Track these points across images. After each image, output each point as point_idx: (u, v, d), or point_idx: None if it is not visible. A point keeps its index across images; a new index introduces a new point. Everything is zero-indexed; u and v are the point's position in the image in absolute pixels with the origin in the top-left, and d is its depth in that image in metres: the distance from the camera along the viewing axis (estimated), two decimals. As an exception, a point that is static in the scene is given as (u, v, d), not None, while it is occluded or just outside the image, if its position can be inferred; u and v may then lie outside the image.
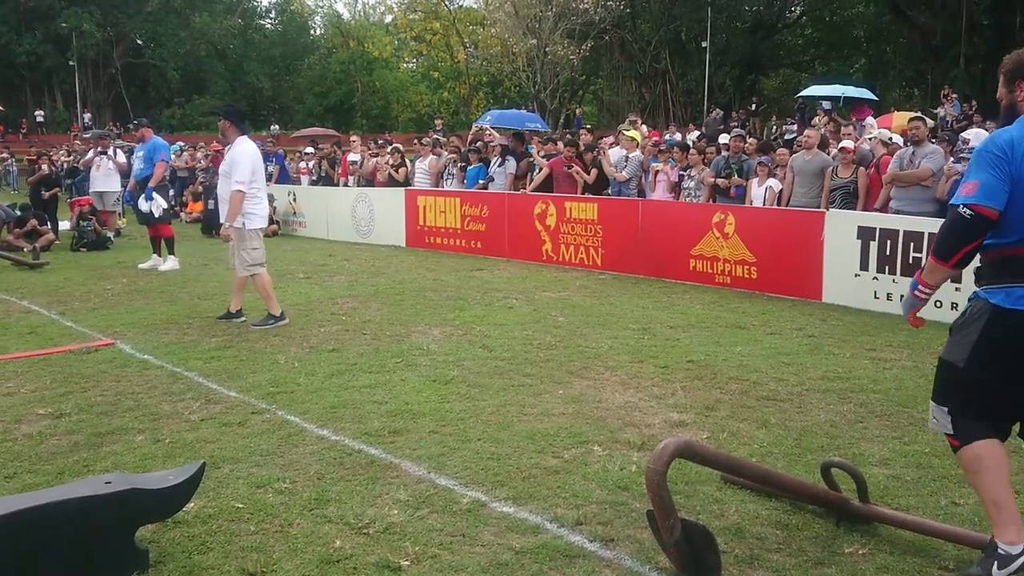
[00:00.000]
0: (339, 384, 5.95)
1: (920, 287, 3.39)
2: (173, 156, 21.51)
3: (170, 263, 11.62)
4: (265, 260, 8.12)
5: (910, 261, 8.29)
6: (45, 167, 16.19)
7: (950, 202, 3.25)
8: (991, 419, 3.24)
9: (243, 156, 7.82)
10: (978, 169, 3.16)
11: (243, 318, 8.06)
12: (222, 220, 8.34)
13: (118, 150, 15.56)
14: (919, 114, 11.09)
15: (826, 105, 22.89)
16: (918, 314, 3.47)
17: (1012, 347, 3.16)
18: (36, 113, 47.46)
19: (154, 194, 11.42)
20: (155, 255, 11.81)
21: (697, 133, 21.08)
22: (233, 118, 8.17)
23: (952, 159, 9.66)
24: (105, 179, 14.76)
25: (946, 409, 3.29)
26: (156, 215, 11.51)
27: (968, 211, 3.11)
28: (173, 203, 19.98)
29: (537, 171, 13.00)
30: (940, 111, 22.79)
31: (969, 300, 3.33)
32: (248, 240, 7.90)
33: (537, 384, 5.95)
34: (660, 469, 3.09)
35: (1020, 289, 3.14)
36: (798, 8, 43.68)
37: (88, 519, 3.25)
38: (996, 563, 3.14)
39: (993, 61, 32.13)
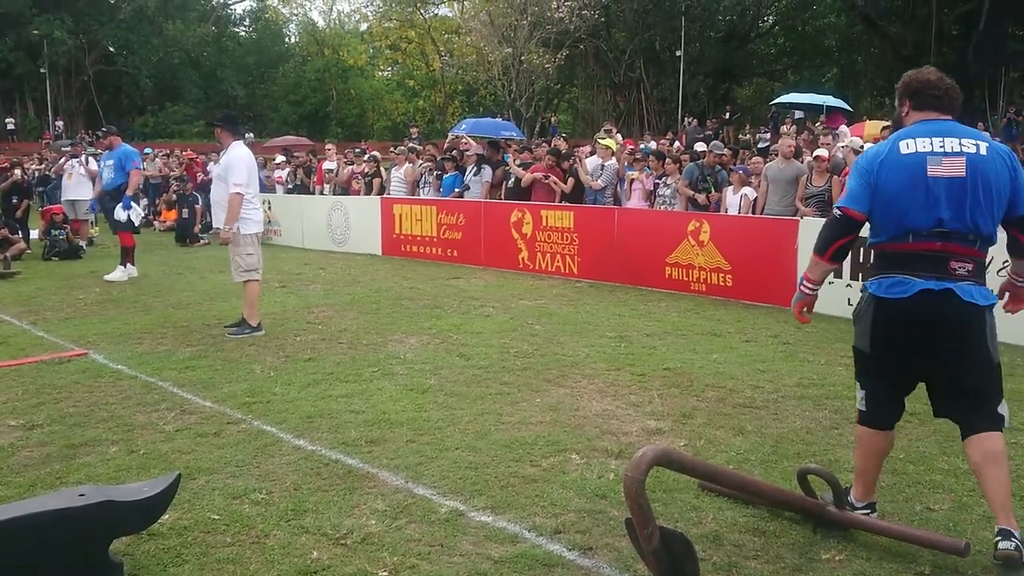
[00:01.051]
0: (315, 394, 5.92)
1: (805, 282, 3.90)
2: (145, 163, 21.40)
3: (119, 273, 11.31)
4: (260, 267, 8.07)
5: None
6: (18, 172, 15.93)
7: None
8: (890, 402, 3.75)
9: (239, 160, 7.83)
10: (851, 177, 3.69)
11: (262, 331, 7.93)
12: (215, 224, 8.32)
13: (90, 157, 15.41)
14: (891, 123, 11.19)
15: (798, 114, 23.10)
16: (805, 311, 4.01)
17: (898, 328, 3.60)
18: (7, 121, 46.91)
19: (132, 203, 11.30)
20: (129, 264, 11.59)
21: (675, 143, 21.16)
22: (228, 124, 8.21)
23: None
24: (77, 187, 14.63)
25: (863, 393, 3.78)
26: (136, 222, 11.38)
27: (838, 212, 3.64)
28: (146, 211, 19.84)
29: (512, 180, 13.02)
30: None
31: (861, 292, 3.83)
32: (243, 246, 7.87)
33: (514, 392, 5.95)
34: (638, 477, 3.09)
35: (888, 280, 3.58)
36: (771, 18, 44.11)
37: (62, 532, 3.21)
38: (845, 503, 3.80)
39: (962, 71, 32.59)
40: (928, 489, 4.25)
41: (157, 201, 20.11)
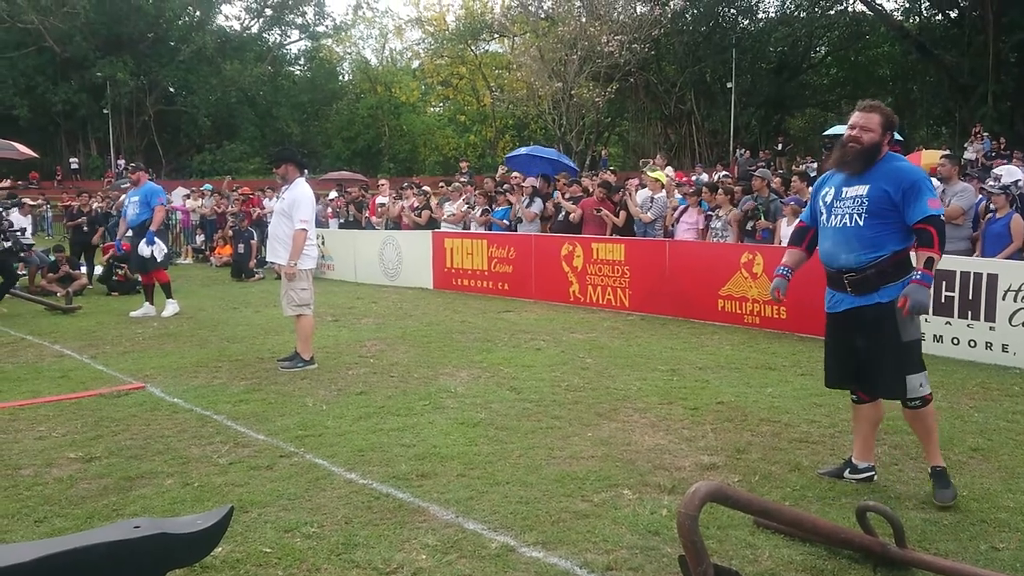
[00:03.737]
0: (367, 427, 5.94)
1: (931, 279, 4.38)
2: (203, 199, 21.86)
3: (171, 308, 11.42)
4: (313, 302, 8.16)
5: (942, 300, 8.20)
6: (83, 220, 16.31)
7: (935, 212, 4.35)
8: None
9: (304, 197, 7.96)
10: (932, 191, 4.43)
11: (315, 365, 8.01)
12: (271, 259, 8.43)
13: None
14: (948, 152, 11.01)
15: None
16: None
17: None
18: (71, 160, 48.43)
19: (156, 238, 11.23)
20: (147, 303, 11.63)
21: (724, 173, 21.03)
22: (296, 160, 8.30)
23: (982, 196, 9.58)
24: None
25: (926, 372, 4.50)
26: (158, 259, 11.26)
27: (944, 218, 4.52)
28: (204, 247, 20.19)
29: (564, 213, 13.04)
30: (968, 150, 22.64)
31: (895, 292, 4.41)
32: (297, 280, 7.97)
33: (565, 426, 5.91)
34: (692, 513, 3.04)
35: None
36: (823, 48, 43.83)
37: (117, 564, 3.23)
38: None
39: (1021, 98, 31.98)
40: (994, 527, 4.12)
41: (214, 237, 20.51)
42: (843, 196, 4.57)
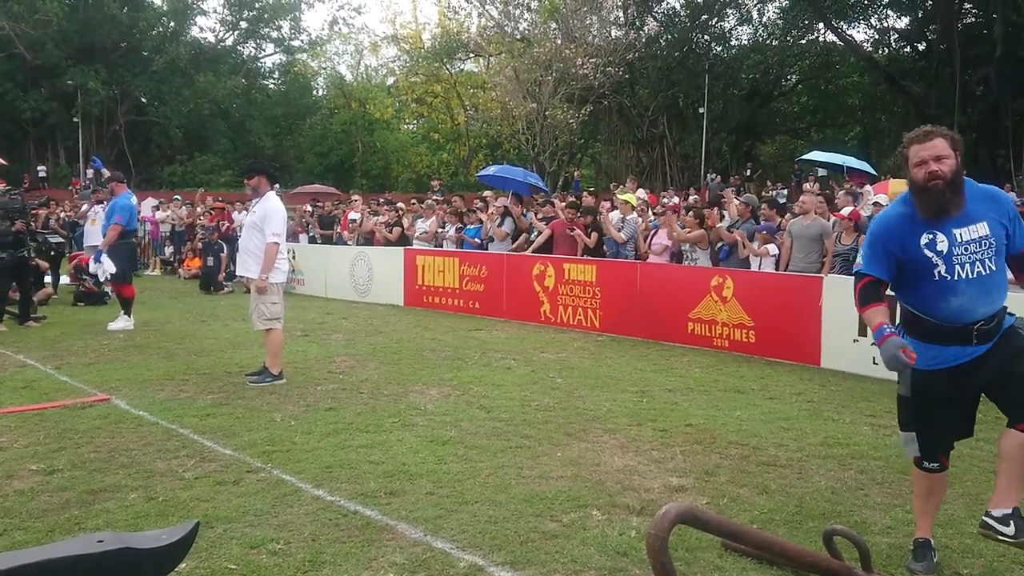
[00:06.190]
0: (335, 444, 5.90)
1: None
2: (171, 211, 21.68)
3: (121, 322, 11.12)
4: (283, 316, 8.10)
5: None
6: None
7: None
8: None
9: (275, 210, 7.95)
10: None
11: (284, 380, 7.93)
12: (240, 272, 8.37)
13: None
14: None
15: (821, 172, 23.09)
16: None
17: None
18: (38, 168, 47.74)
19: (103, 257, 10.84)
20: (124, 315, 11.35)
21: (693, 197, 21.22)
22: (268, 173, 8.28)
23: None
24: (100, 233, 14.77)
25: None
26: (101, 279, 10.93)
27: None
28: (172, 259, 19.97)
29: (536, 234, 13.07)
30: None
31: (1009, 318, 3.93)
32: (268, 294, 7.92)
33: (535, 446, 5.90)
34: (661, 535, 3.04)
35: None
36: (794, 77, 44.38)
37: (79, 579, 3.18)
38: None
39: (986, 130, 32.60)
40: (958, 553, 4.16)
41: (183, 249, 20.33)
42: (960, 240, 3.79)
